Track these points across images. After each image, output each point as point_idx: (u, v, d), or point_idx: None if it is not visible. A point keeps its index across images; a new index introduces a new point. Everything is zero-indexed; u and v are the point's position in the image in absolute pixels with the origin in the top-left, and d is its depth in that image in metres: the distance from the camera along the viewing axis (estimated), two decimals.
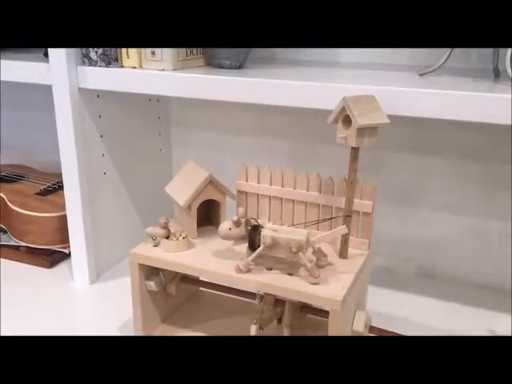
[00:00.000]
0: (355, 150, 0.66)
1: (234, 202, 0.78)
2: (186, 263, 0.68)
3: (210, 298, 0.84)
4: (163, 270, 0.73)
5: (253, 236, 0.65)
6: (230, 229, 0.65)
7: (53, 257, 1.01)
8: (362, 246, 0.71)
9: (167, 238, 0.71)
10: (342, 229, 0.64)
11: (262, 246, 0.63)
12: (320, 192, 0.73)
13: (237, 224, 0.64)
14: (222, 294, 0.80)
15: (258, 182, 0.76)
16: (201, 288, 0.85)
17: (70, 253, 0.95)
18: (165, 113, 1.11)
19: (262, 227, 0.65)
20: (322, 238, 0.64)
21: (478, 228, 0.93)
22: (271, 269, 0.66)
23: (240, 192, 0.78)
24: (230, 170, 0.86)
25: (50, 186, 1.09)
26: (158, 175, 1.10)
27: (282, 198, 0.76)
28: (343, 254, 0.70)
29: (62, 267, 1.00)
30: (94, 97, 0.89)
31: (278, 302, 0.69)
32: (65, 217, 0.94)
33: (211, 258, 0.69)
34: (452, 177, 0.93)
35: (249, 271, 0.65)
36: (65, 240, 0.99)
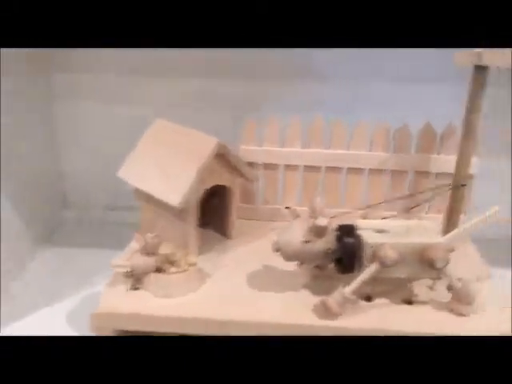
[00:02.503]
0: (482, 72, 0.39)
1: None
2: (225, 317, 0.35)
3: None
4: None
5: (352, 248, 0.34)
6: (306, 242, 0.34)
7: None
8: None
9: (159, 270, 0.37)
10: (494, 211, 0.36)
11: (375, 266, 0.34)
12: (387, 150, 0.45)
13: (320, 232, 0.34)
14: None
15: (283, 146, 0.46)
16: None
17: None
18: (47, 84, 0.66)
19: (356, 229, 0.35)
20: (466, 231, 0.36)
21: None
22: (370, 298, 0.37)
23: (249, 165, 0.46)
24: None
25: None
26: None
27: (321, 167, 0.46)
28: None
29: None
30: None
31: None
32: None
33: (257, 299, 0.37)
34: None
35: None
36: None
